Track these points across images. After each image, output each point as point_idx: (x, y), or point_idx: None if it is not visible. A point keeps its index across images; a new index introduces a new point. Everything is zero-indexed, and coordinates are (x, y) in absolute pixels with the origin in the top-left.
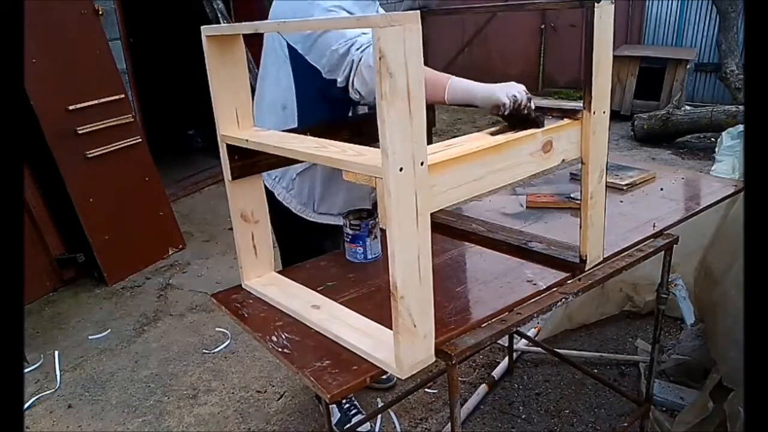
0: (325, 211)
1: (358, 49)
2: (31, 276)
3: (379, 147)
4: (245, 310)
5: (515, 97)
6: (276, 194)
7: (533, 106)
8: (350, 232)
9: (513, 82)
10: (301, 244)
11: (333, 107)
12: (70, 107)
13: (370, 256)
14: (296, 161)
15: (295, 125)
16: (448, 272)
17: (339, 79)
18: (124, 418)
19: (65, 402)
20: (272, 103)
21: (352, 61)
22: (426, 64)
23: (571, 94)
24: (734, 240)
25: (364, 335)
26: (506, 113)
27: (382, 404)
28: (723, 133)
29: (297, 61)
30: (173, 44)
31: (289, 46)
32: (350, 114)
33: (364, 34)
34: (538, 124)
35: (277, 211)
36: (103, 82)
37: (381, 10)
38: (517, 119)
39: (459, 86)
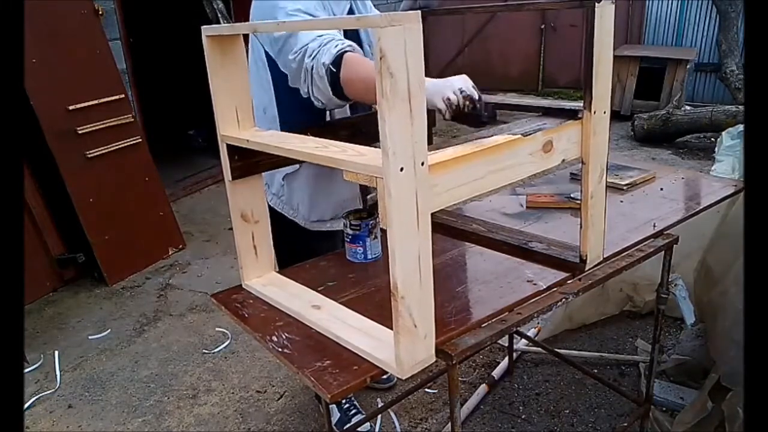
0: (317, 219)
1: (309, 56)
2: (31, 276)
3: (379, 147)
4: (245, 310)
5: (449, 100)
6: (267, 200)
7: (477, 96)
8: (350, 232)
9: (456, 78)
10: (297, 250)
11: (309, 111)
12: (70, 107)
13: (370, 256)
14: (296, 161)
15: (278, 129)
16: (449, 272)
17: (302, 90)
18: (124, 418)
19: (65, 402)
20: (256, 107)
21: (306, 70)
22: (426, 64)
23: (571, 94)
24: (734, 240)
25: (365, 335)
26: (447, 117)
27: (382, 404)
28: (723, 133)
29: (273, 63)
30: (173, 44)
31: (266, 50)
32: (327, 119)
33: (319, 36)
34: (477, 122)
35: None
36: (103, 82)
37: (374, 10)
38: (462, 119)
39: None
